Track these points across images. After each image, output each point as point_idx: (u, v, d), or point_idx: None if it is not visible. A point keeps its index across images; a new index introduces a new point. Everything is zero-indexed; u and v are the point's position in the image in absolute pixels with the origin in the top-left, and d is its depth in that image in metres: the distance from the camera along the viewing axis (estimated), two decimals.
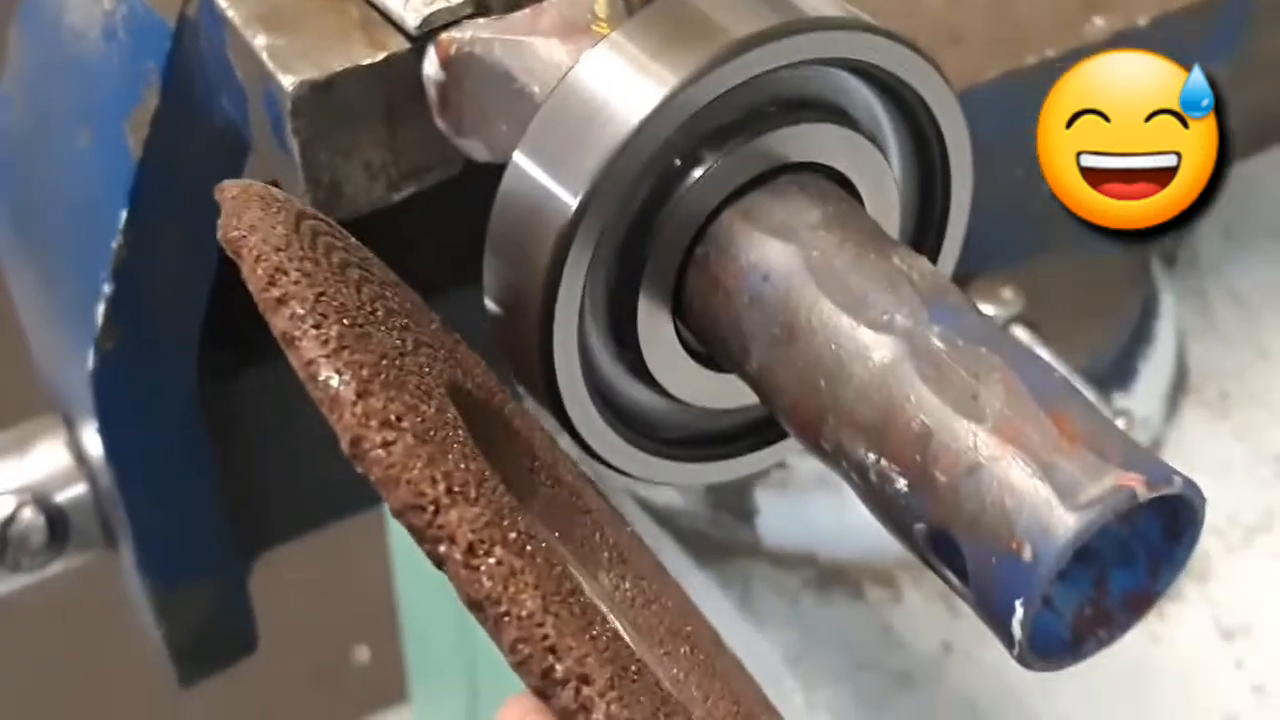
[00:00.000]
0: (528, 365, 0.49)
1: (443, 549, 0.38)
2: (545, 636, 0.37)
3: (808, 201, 0.48)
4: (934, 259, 0.55)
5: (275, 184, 0.55)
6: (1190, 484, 0.41)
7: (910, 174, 0.53)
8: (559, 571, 0.40)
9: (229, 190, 0.45)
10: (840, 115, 0.50)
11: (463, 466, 0.39)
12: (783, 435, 0.55)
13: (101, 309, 0.65)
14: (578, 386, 0.50)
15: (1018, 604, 0.40)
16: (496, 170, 0.52)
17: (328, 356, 0.39)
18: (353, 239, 0.49)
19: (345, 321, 0.41)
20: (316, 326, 0.40)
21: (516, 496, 0.43)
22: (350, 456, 0.38)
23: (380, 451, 0.38)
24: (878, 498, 0.44)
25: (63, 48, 0.67)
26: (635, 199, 0.48)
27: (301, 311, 0.40)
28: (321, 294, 0.41)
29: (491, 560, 0.37)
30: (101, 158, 0.64)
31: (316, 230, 0.46)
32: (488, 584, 0.37)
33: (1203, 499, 0.41)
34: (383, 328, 0.44)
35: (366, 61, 0.53)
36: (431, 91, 0.53)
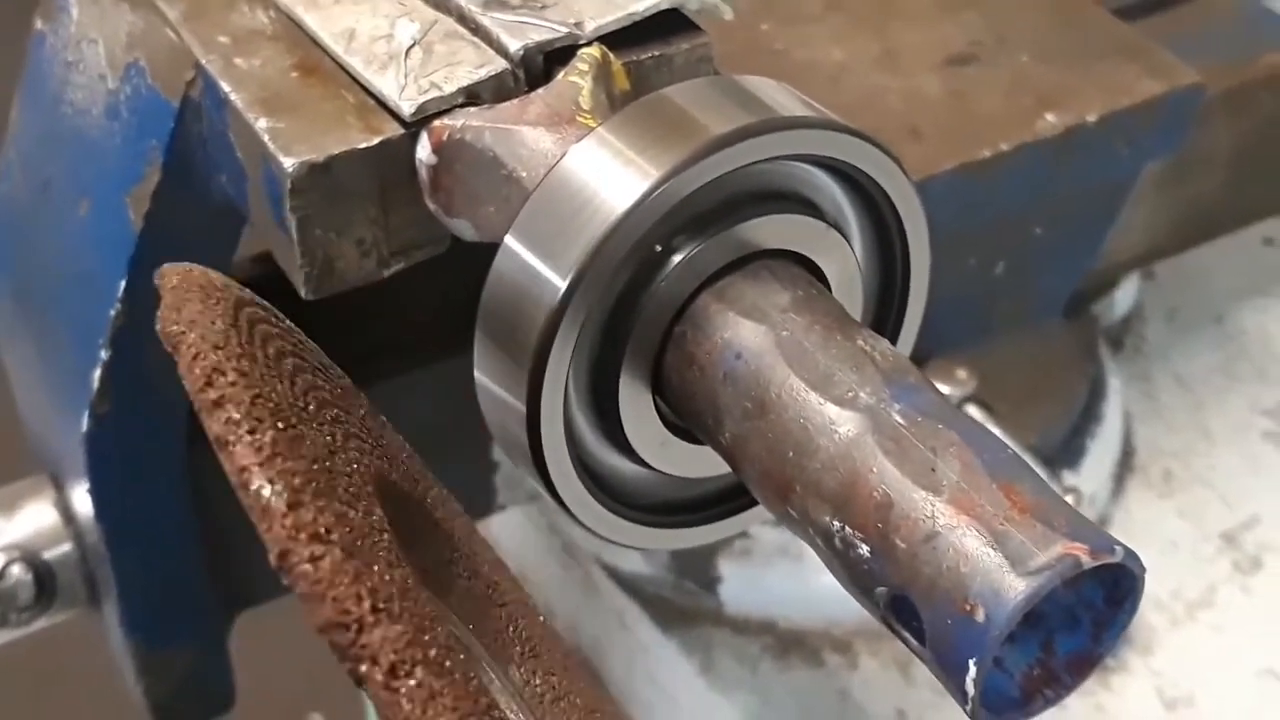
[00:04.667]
0: (514, 434, 0.52)
1: (364, 669, 0.37)
2: None
3: (779, 286, 0.51)
4: (894, 340, 0.57)
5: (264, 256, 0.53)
6: (1131, 554, 0.43)
7: (873, 260, 0.56)
8: (475, 686, 0.40)
9: (169, 278, 0.45)
10: (809, 206, 0.53)
11: (387, 578, 0.39)
12: (751, 504, 0.57)
13: (98, 374, 0.66)
14: (561, 455, 0.52)
15: (971, 663, 0.42)
16: (475, 248, 0.54)
17: (261, 465, 0.39)
18: (287, 321, 0.49)
19: (280, 425, 0.40)
20: (251, 432, 0.39)
21: (435, 589, 0.42)
22: (276, 569, 0.38)
23: (307, 567, 0.37)
24: (842, 562, 0.46)
25: (64, 121, 0.68)
26: (619, 282, 0.50)
27: (237, 416, 0.40)
28: (257, 395, 0.41)
29: (412, 682, 0.37)
30: (101, 229, 0.66)
31: (254, 319, 0.45)
32: (407, 707, 0.37)
33: (1142, 568, 0.44)
34: (314, 424, 0.43)
35: (363, 145, 0.54)
36: (423, 174, 0.55)
